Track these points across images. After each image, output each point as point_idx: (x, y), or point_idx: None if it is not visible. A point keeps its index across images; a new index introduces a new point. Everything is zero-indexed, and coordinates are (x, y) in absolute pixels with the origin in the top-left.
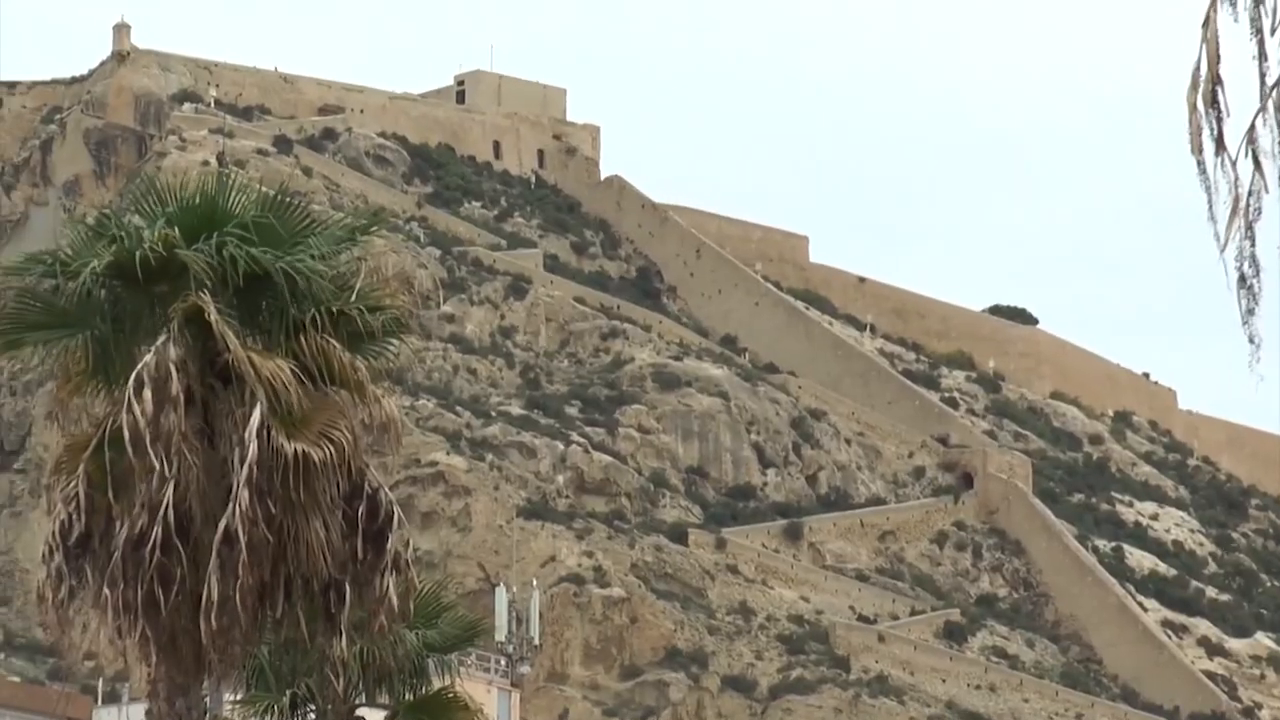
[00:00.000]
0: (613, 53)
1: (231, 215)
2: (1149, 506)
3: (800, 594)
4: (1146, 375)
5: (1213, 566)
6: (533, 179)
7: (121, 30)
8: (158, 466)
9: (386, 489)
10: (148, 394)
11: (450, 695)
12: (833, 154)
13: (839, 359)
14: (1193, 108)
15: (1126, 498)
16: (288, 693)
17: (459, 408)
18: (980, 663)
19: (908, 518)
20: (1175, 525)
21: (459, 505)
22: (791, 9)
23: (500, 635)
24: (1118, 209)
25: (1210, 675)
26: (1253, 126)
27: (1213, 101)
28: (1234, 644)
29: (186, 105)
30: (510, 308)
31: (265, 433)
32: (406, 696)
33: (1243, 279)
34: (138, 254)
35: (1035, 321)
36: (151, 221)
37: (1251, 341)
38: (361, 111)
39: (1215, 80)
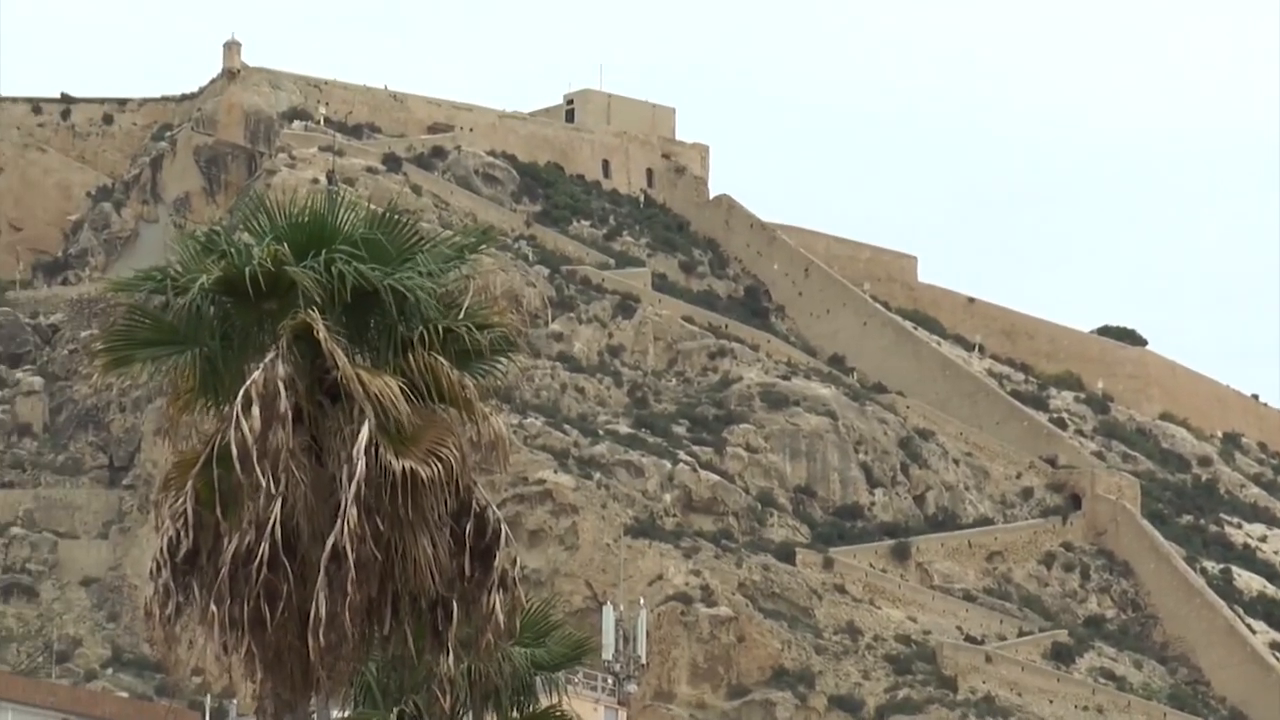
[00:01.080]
0: (722, 72)
1: (340, 232)
2: (1258, 528)
3: (907, 614)
4: (1255, 397)
5: None
6: (641, 198)
7: (232, 48)
8: (265, 483)
9: (494, 507)
10: (256, 411)
11: (558, 713)
12: (942, 174)
13: (947, 379)
14: None
15: (1235, 519)
16: (395, 710)
17: (567, 426)
18: (1088, 684)
19: (1015, 538)
20: None
21: (566, 523)
22: (900, 31)
23: (607, 654)
24: (1227, 231)
25: None
26: None
27: None
28: None
29: (296, 123)
30: (618, 326)
31: (373, 450)
32: (513, 714)
33: None
34: (247, 270)
35: (1144, 343)
36: (261, 238)
37: None
38: (471, 130)
39: None
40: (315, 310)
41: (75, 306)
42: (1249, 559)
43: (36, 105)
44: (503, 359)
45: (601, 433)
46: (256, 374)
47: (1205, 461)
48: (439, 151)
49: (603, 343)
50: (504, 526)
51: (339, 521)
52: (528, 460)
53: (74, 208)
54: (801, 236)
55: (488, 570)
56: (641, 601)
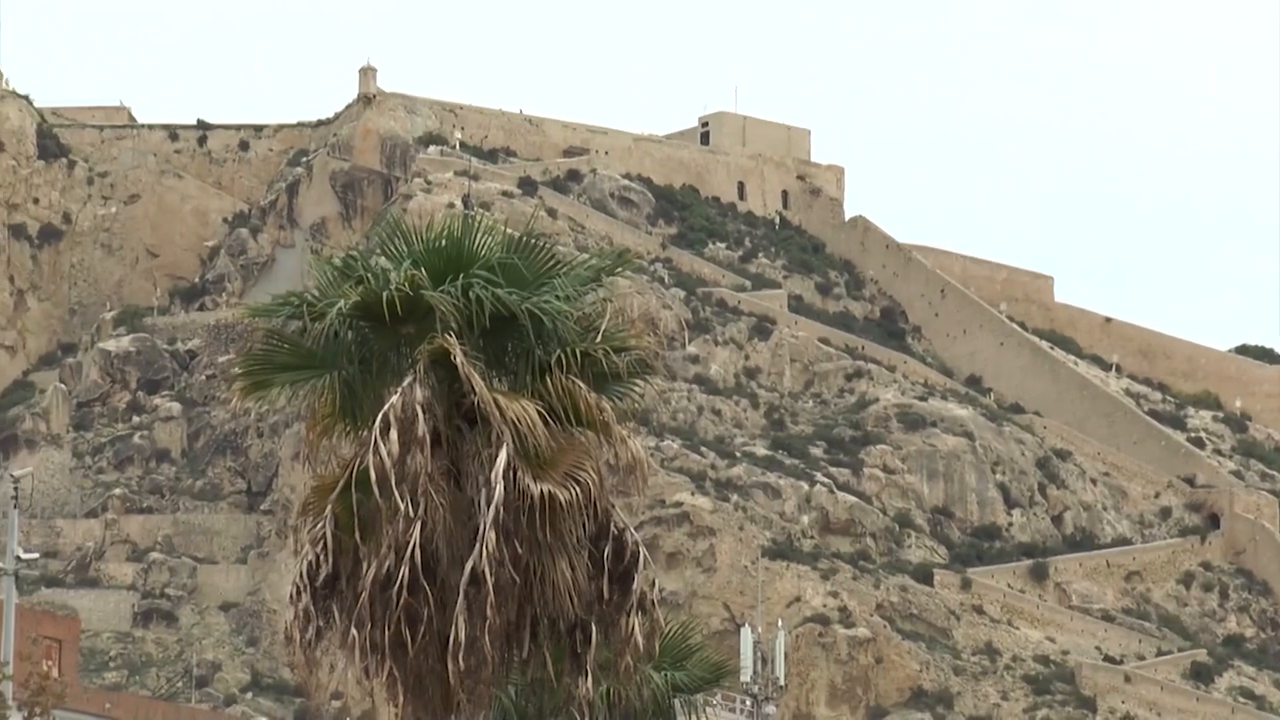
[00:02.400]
0: (856, 93)
1: (477, 257)
2: None
3: (1046, 634)
4: None
5: None
6: (777, 220)
7: (368, 73)
8: (404, 507)
9: (632, 529)
10: (394, 435)
11: None
12: (1078, 194)
13: (1084, 399)
14: None
15: None
16: None
17: (704, 448)
18: (1227, 703)
19: (1154, 558)
20: None
21: (704, 546)
22: (1036, 51)
23: (745, 676)
24: None
25: None
26: None
27: None
28: None
29: (432, 148)
30: (755, 348)
31: (511, 474)
32: None
33: None
34: (384, 295)
35: None
36: (398, 263)
37: None
38: (606, 153)
39: None
40: (452, 335)
41: (212, 332)
42: None
43: (173, 132)
44: (640, 382)
45: (739, 455)
46: (395, 398)
47: None
48: (575, 175)
49: (739, 365)
50: (642, 549)
51: (478, 545)
52: (665, 483)
53: (211, 234)
54: (937, 257)
55: (626, 593)
56: (779, 623)
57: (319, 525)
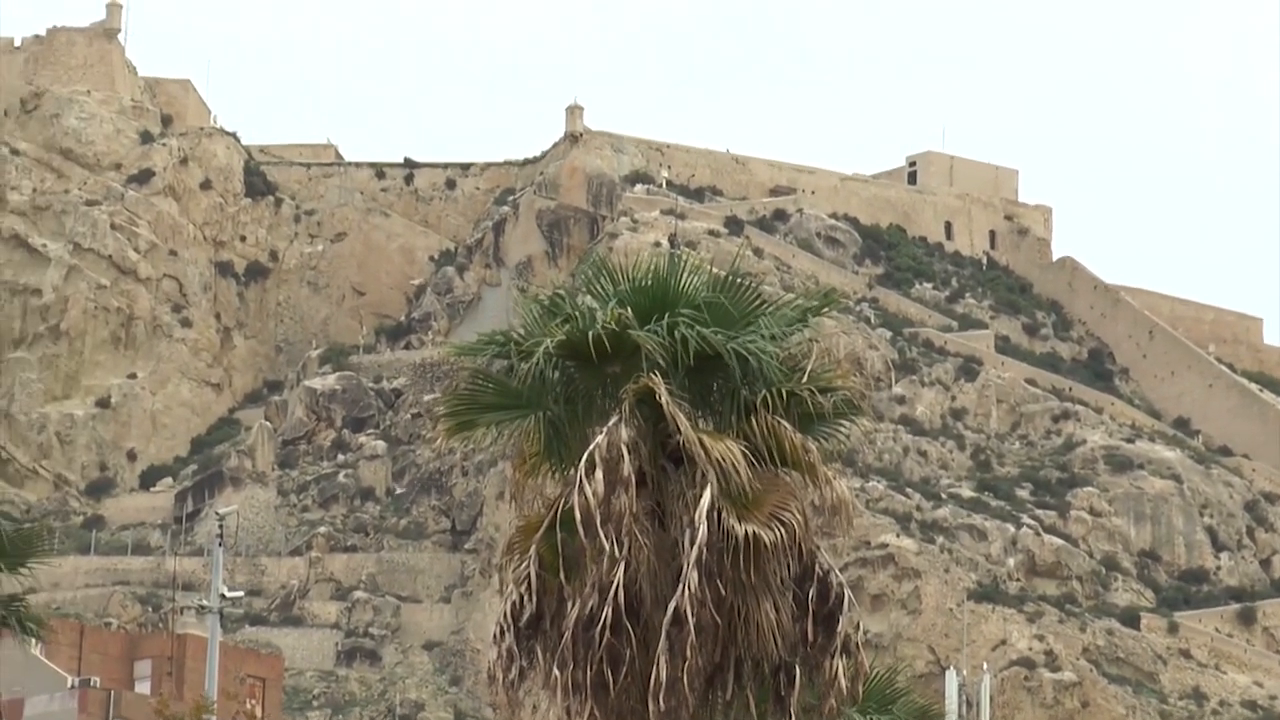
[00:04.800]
0: (1063, 133)
1: (683, 296)
2: None
3: (1254, 679)
4: None
5: None
6: (984, 260)
7: (574, 112)
8: (609, 547)
9: (837, 571)
10: (599, 475)
11: None
12: None
13: None
14: None
15: None
16: None
17: (909, 490)
18: None
19: None
20: None
21: (909, 588)
22: (1242, 91)
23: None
24: None
25: None
26: None
27: None
28: None
29: (638, 186)
30: (961, 389)
31: (716, 514)
32: None
33: None
34: (590, 334)
35: None
36: (604, 302)
37: None
38: (813, 192)
39: None
40: (658, 374)
41: (418, 371)
42: None
43: (380, 170)
44: (845, 422)
45: (944, 496)
46: (600, 438)
47: None
48: (781, 214)
49: (945, 405)
50: (847, 591)
51: (681, 586)
52: (870, 524)
53: (417, 272)
54: (1145, 298)
55: (831, 635)
56: (985, 666)
57: (523, 565)
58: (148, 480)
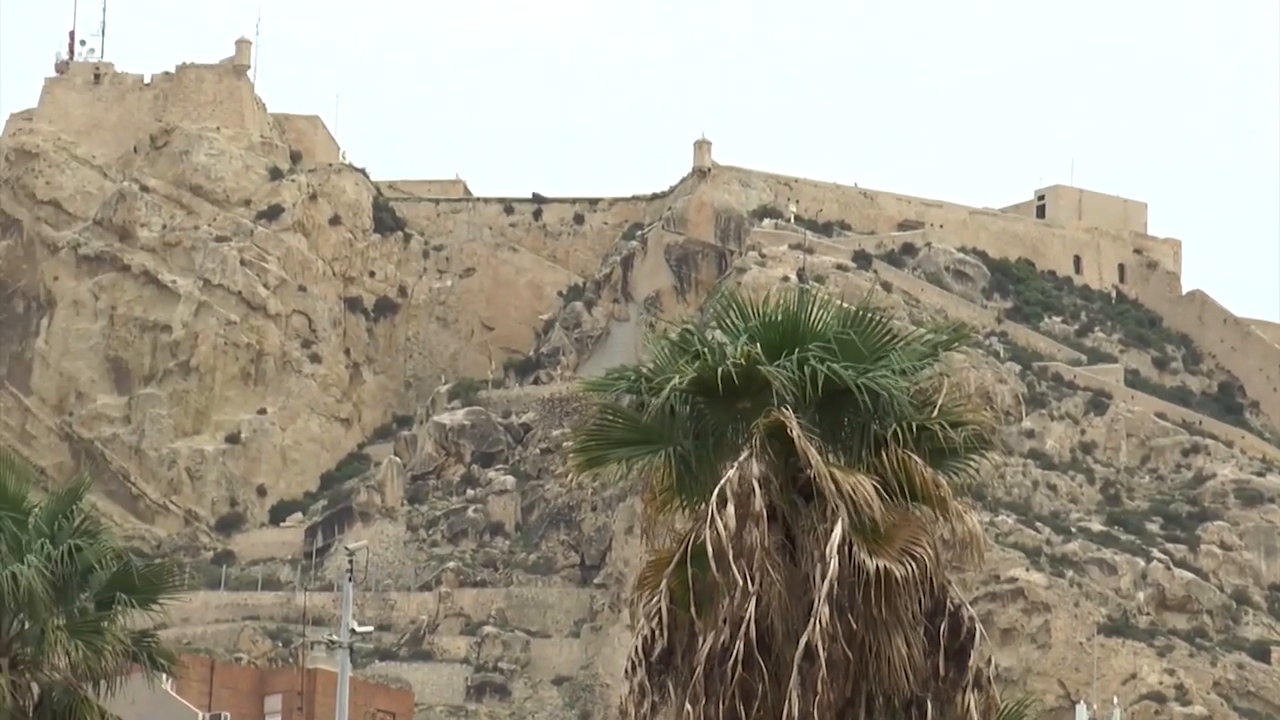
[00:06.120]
0: (1192, 166)
1: (813, 331)
2: None
3: None
4: None
5: None
6: (1113, 293)
7: (702, 147)
8: (740, 582)
9: (968, 605)
10: (730, 510)
11: None
12: None
13: None
14: None
15: None
16: None
17: (1039, 524)
18: None
19: None
20: None
21: (1039, 622)
22: None
23: None
24: None
25: None
26: None
27: None
28: None
29: (767, 221)
30: (1091, 423)
31: (847, 548)
32: None
33: None
34: (720, 370)
35: None
36: (733, 337)
37: None
38: (941, 226)
39: None
40: (788, 409)
41: (547, 406)
42: None
43: (509, 205)
44: (975, 456)
45: (1074, 530)
46: (731, 472)
47: None
48: (909, 248)
49: (1075, 439)
50: (978, 625)
51: (812, 620)
52: (1000, 558)
53: (545, 307)
54: (1276, 331)
55: (962, 669)
56: (1115, 700)
57: (654, 600)
58: (277, 515)
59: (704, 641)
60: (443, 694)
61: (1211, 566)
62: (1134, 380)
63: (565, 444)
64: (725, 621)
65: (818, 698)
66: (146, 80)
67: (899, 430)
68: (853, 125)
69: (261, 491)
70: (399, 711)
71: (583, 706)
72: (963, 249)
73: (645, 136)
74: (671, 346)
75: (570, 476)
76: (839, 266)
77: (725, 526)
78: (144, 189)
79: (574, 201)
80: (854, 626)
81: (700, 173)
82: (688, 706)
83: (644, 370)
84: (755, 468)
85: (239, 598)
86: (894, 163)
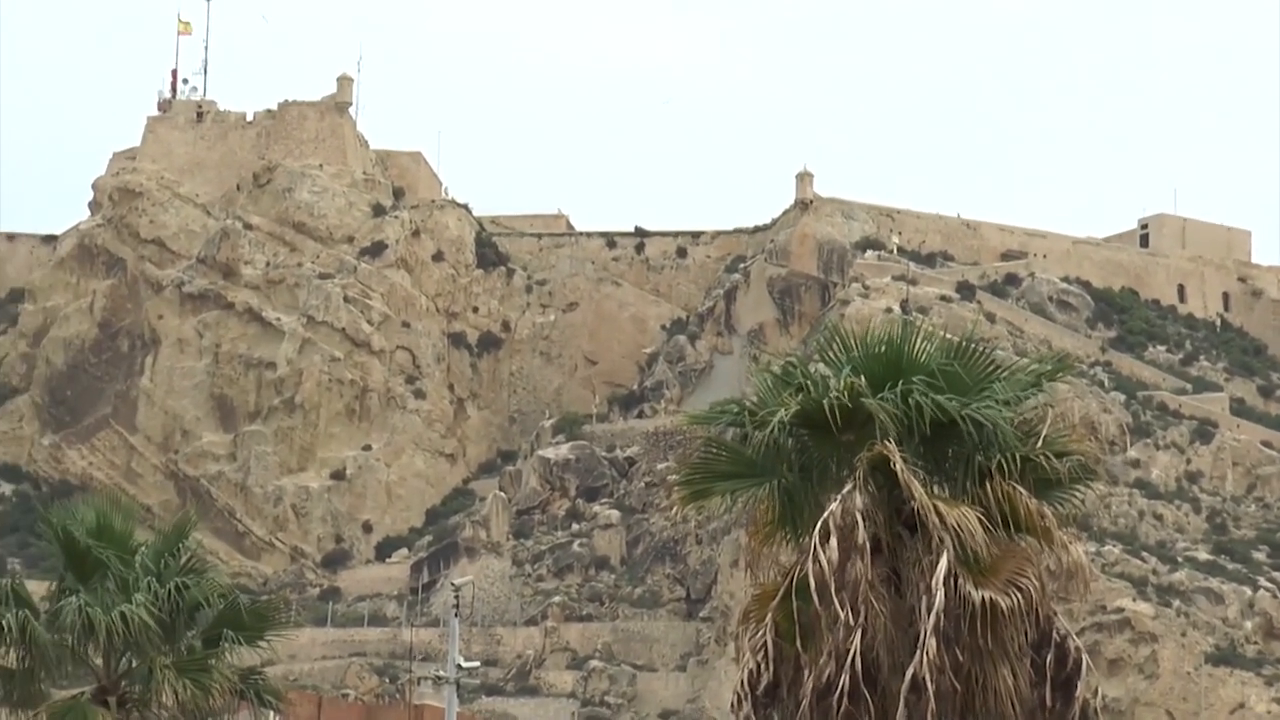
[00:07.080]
0: None
1: (917, 363)
2: None
3: None
4: None
5: None
6: (1218, 322)
7: (804, 179)
8: (844, 615)
9: (1074, 636)
10: (834, 543)
11: None
12: None
13: None
14: None
15: None
16: None
17: (1145, 553)
18: None
19: None
20: None
21: (1146, 652)
22: None
23: None
24: None
25: None
26: None
27: None
28: None
29: (869, 252)
30: (1196, 452)
31: (952, 580)
32: None
33: None
34: (825, 403)
35: None
36: (837, 369)
37: None
38: (1044, 256)
39: None
40: (892, 441)
41: (651, 439)
42: None
43: (611, 239)
44: (1081, 487)
45: (1180, 560)
46: (835, 505)
47: None
48: (1013, 279)
49: (1181, 469)
50: (1084, 656)
51: (918, 653)
52: (1106, 588)
53: (648, 341)
54: None
55: (1069, 701)
56: None
57: (760, 633)
58: (383, 552)
59: (809, 675)
60: None
61: None
62: (1239, 409)
63: (670, 478)
64: (830, 655)
65: None
66: (249, 118)
67: (1003, 461)
68: (955, 155)
69: (367, 528)
70: None
71: None
72: (1066, 279)
73: (747, 169)
74: (775, 379)
75: (675, 510)
76: (942, 298)
77: (828, 560)
78: (247, 227)
79: (676, 235)
80: (960, 658)
81: (802, 205)
82: None
83: (748, 403)
84: (859, 500)
85: (345, 634)
86: (996, 193)
